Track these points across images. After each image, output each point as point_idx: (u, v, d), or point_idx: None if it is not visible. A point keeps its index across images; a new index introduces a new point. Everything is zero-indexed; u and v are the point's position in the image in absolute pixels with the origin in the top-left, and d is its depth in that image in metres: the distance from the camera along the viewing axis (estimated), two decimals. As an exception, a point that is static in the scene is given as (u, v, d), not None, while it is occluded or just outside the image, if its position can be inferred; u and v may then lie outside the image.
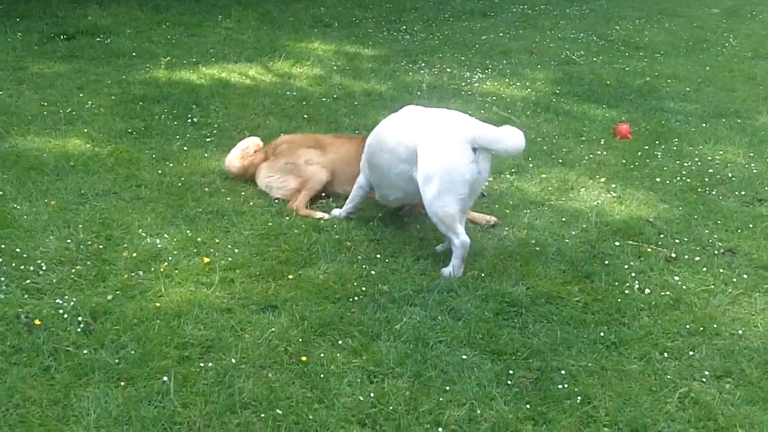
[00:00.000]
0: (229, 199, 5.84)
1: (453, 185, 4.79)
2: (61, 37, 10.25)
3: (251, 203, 5.80)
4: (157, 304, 4.40)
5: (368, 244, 5.28)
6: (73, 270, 4.70)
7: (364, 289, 4.69)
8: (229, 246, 5.13)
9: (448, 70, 9.73)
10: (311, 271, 4.90)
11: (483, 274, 4.92)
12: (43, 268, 4.69)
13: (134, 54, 9.68)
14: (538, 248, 5.28)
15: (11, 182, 5.88)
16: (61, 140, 6.80)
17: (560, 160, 6.87)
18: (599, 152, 7.08)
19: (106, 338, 4.08)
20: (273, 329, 4.25)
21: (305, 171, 5.95)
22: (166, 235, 5.20)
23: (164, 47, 10.17)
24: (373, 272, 4.90)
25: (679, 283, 4.92)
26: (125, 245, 5.05)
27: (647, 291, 4.80)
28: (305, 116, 7.74)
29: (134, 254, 4.93)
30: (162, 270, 4.76)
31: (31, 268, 4.68)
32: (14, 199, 5.60)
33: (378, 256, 5.10)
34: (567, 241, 5.41)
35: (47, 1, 12.67)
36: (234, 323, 4.31)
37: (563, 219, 5.75)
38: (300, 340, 4.18)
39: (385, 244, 5.28)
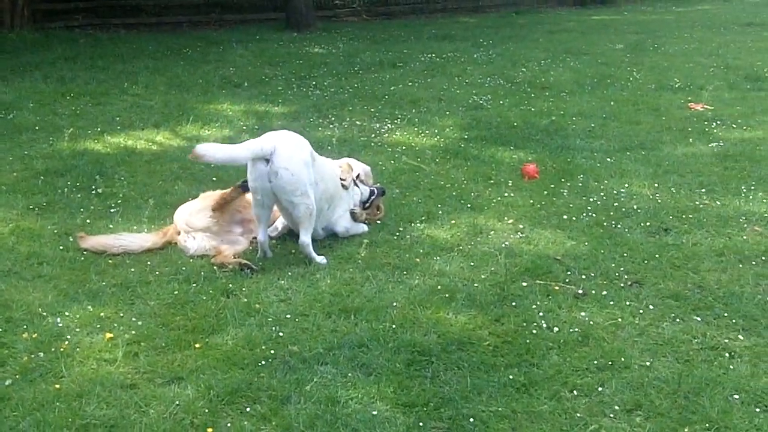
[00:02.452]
0: (133, 270, 5.71)
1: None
2: (-35, 117, 10.05)
3: (157, 272, 5.69)
4: (57, 386, 4.25)
5: (278, 305, 5.20)
6: (-32, 358, 4.53)
7: (273, 351, 4.60)
8: (134, 318, 5.00)
9: (357, 122, 9.77)
10: (219, 337, 4.79)
11: (394, 326, 4.88)
12: (-65, 358, 4.51)
13: (37, 128, 9.53)
14: (447, 295, 5.26)
15: None
16: (-42, 222, 6.62)
17: (469, 205, 6.91)
18: (507, 194, 7.14)
19: (4, 426, 3.92)
20: (178, 402, 4.12)
21: None
22: (67, 313, 5.05)
23: (68, 119, 10.05)
24: (282, 333, 4.82)
25: (587, 318, 4.95)
26: (25, 326, 4.89)
27: (556, 329, 4.81)
28: (214, 179, 7.66)
29: (34, 335, 4.77)
30: (63, 350, 4.61)
31: None
32: None
33: (288, 316, 5.02)
34: (477, 285, 5.41)
35: (-54, 79, 12.48)
36: (138, 399, 4.17)
37: (473, 263, 5.76)
38: (207, 411, 4.07)
39: (296, 303, 5.21)
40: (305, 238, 5.83)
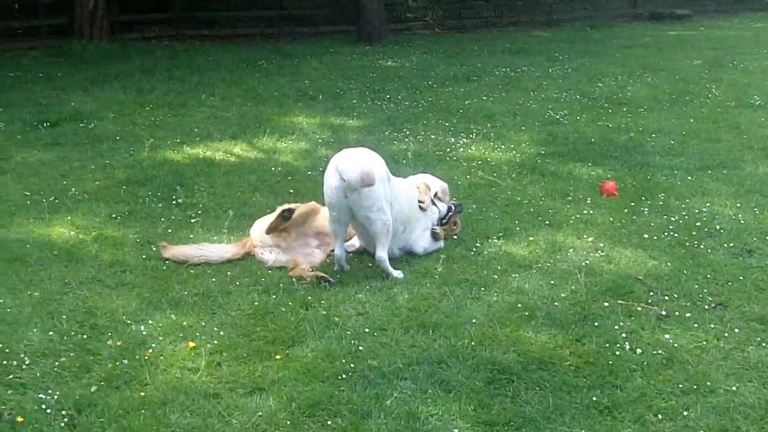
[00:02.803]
0: (214, 280, 5.79)
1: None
2: (45, 124, 10.33)
3: (237, 283, 5.75)
4: (142, 393, 4.32)
5: (356, 318, 5.21)
6: (57, 362, 4.63)
7: (352, 365, 4.61)
8: (215, 328, 5.07)
9: (432, 137, 9.77)
10: (299, 349, 4.82)
11: (473, 343, 4.85)
12: (26, 362, 4.62)
13: (118, 138, 9.74)
14: (527, 313, 5.22)
15: (-7, 275, 5.84)
16: (45, 229, 6.77)
17: (547, 222, 6.84)
18: (586, 211, 7.06)
19: (91, 432, 4.00)
20: (260, 413, 4.16)
21: None
22: (150, 321, 5.14)
23: (148, 129, 10.23)
24: (361, 347, 4.82)
25: (671, 340, 4.86)
26: (109, 334, 4.98)
27: (639, 351, 4.73)
28: (291, 191, 7.73)
29: (119, 342, 4.86)
30: (147, 357, 4.69)
31: (14, 362, 4.61)
32: (-2, 292, 5.56)
33: (366, 330, 5.03)
34: (556, 304, 5.35)
35: (30, 89, 12.84)
36: (221, 409, 4.22)
37: (552, 281, 5.70)
38: (288, 422, 4.10)
39: (374, 317, 5.22)
40: (382, 253, 5.84)
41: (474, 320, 5.14)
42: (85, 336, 4.95)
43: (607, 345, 4.80)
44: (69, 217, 7.04)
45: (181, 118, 10.92)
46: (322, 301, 5.43)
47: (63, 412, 4.13)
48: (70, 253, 6.27)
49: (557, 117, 10.64)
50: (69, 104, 11.57)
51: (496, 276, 5.82)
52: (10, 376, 4.47)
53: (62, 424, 4.05)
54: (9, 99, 12.07)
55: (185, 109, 11.48)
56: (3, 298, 5.47)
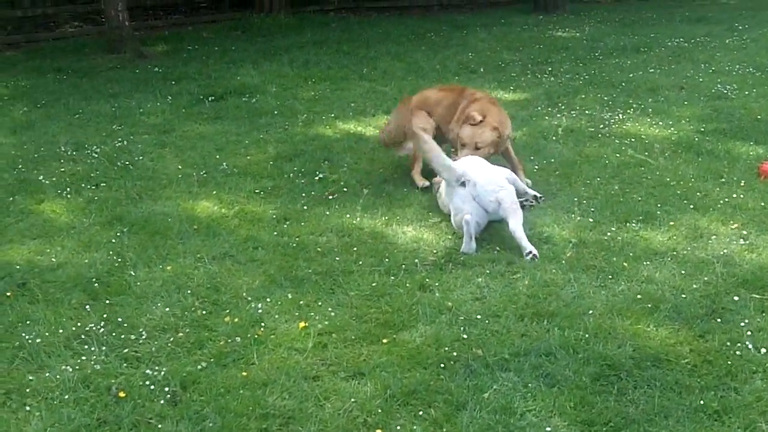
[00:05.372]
0: (338, 258, 5.83)
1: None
2: (210, 98, 10.71)
3: (360, 262, 5.77)
4: (245, 373, 4.41)
5: (471, 304, 5.11)
6: (173, 338, 4.81)
7: (456, 354, 4.52)
8: (330, 308, 5.11)
9: (587, 112, 9.42)
10: (407, 334, 4.78)
11: (587, 335, 4.65)
12: (144, 336, 4.83)
13: (276, 112, 9.97)
14: (651, 304, 4.94)
15: (134, 248, 6.12)
16: (190, 203, 7.05)
17: (692, 205, 6.45)
18: (737, 195, 6.60)
19: (190, 410, 4.12)
20: (354, 399, 4.16)
21: None
22: (269, 299, 5.24)
23: (306, 103, 10.43)
24: (471, 334, 4.73)
25: (804, 343, 4.47)
26: (228, 310, 5.13)
27: (763, 350, 4.38)
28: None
29: (235, 320, 4.99)
30: (257, 336, 4.79)
31: (132, 336, 4.82)
32: (134, 265, 5.82)
33: (479, 316, 4.93)
34: (685, 295, 5.03)
35: (204, 62, 13.37)
36: (318, 392, 4.25)
37: (684, 271, 5.37)
38: (380, 410, 4.07)
39: (490, 303, 5.10)
40: (516, 225, 5.88)
41: (592, 311, 4.92)
42: (205, 312, 5.12)
43: (730, 343, 4.47)
44: (215, 192, 7.29)
45: (340, 93, 11.06)
46: (439, 284, 5.36)
47: (167, 389, 4.28)
48: (209, 228, 6.50)
49: (725, 91, 9.97)
50: (236, 78, 11.96)
51: (626, 263, 5.54)
52: (126, 350, 4.69)
53: (162, 402, 4.19)
54: (183, 72, 12.62)
55: (346, 83, 11.62)
56: (137, 270, 5.74)
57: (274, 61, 13.17)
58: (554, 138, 8.43)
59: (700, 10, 17.76)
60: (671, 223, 6.15)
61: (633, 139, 8.25)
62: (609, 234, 6.02)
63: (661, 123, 8.80)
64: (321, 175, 7.58)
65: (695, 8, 18.13)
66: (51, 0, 17.57)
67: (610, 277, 5.38)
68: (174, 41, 15.90)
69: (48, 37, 16.56)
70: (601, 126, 8.83)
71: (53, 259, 6.01)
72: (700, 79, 10.71)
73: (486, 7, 20.16)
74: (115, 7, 14.28)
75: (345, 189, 7.24)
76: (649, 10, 18.22)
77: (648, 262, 5.54)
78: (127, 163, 8.21)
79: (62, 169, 8.09)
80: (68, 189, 7.49)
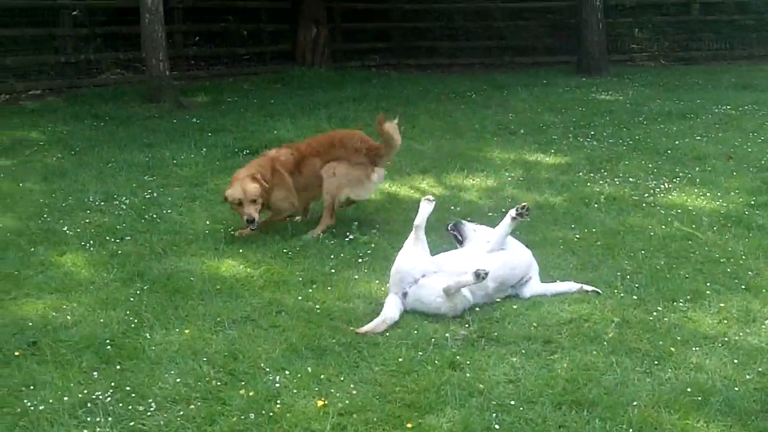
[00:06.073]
0: (365, 329, 5.51)
1: None
2: (244, 152, 10.53)
3: (387, 333, 5.44)
4: (257, 456, 4.09)
5: (504, 386, 4.75)
6: (183, 411, 4.49)
7: (487, 444, 4.17)
8: (352, 385, 4.77)
9: (631, 179, 9.07)
10: (434, 418, 4.43)
11: (631, 429, 4.27)
12: (153, 407, 4.51)
13: (308, 168, 9.71)
14: (701, 397, 4.55)
15: (153, 308, 5.85)
16: (215, 261, 6.78)
17: (744, 285, 6.07)
18: (793, 275, 6.21)
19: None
20: (374, 492, 3.81)
21: None
22: (287, 372, 4.91)
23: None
24: (503, 423, 4.36)
25: None
26: (244, 382, 4.81)
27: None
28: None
29: (251, 393, 4.67)
30: (273, 413, 4.46)
31: (141, 407, 4.51)
32: (150, 327, 5.54)
33: (513, 402, 4.56)
34: (737, 388, 4.64)
35: (242, 115, 13.24)
36: (335, 482, 3.91)
37: (737, 359, 4.97)
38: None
39: (524, 387, 4.73)
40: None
41: (637, 401, 4.54)
42: (219, 383, 4.81)
43: (789, 448, 4.08)
44: (241, 250, 7.02)
45: (378, 150, 10.79)
46: (470, 362, 5.01)
47: (172, 471, 3.97)
48: (232, 289, 6.22)
49: (776, 163, 9.61)
50: (272, 132, 11.78)
51: (673, 348, 5.15)
52: (133, 423, 4.39)
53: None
54: (220, 124, 12.49)
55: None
56: (154, 333, 5.46)
57: (312, 116, 13.00)
58: (596, 205, 8.10)
59: (746, 76, 17.43)
60: (721, 304, 5.76)
61: (679, 211, 7.88)
62: (655, 314, 5.65)
63: (708, 194, 8.43)
64: (351, 237, 7.28)
65: (741, 74, 17.80)
66: (94, 46, 17.65)
67: (655, 362, 4.99)
68: (214, 92, 15.83)
69: (89, 83, 16.58)
70: (646, 195, 8.48)
71: (68, 317, 5.75)
72: (749, 149, 10.34)
73: (528, 68, 19.97)
74: (156, 56, 14.25)
75: (375, 251, 6.93)
76: (695, 75, 17.92)
77: (697, 348, 5.15)
78: (155, 216, 7.98)
79: (88, 220, 7.89)
80: (92, 241, 7.26)
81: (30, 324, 5.62)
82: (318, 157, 7.57)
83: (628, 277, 6.28)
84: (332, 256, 6.86)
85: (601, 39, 18.63)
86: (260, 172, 7.34)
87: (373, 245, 7.10)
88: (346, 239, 7.26)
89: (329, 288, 6.22)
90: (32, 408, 4.52)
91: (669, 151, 10.31)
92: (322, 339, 5.37)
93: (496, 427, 4.32)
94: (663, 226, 7.44)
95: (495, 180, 9.21)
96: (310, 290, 6.18)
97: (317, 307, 5.88)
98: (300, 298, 6.03)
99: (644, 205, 8.16)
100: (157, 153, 10.66)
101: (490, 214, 7.85)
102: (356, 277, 6.43)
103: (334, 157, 7.55)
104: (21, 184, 9.28)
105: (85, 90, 15.89)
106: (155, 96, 14.21)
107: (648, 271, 6.34)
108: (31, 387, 4.75)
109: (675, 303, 5.83)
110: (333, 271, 6.54)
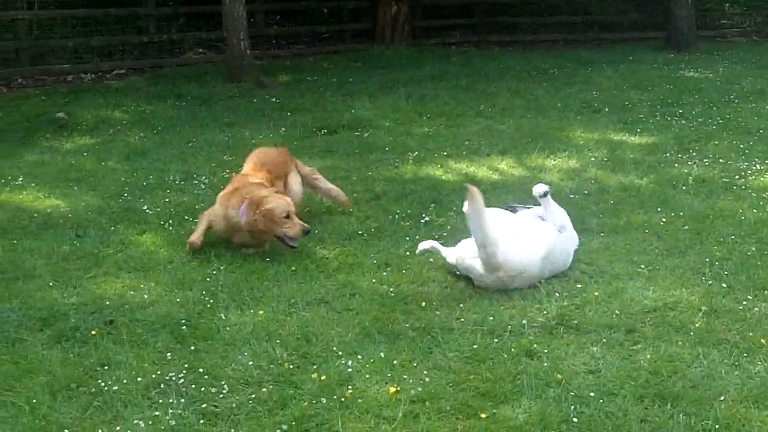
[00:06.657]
0: (438, 313, 5.39)
1: None
2: (322, 131, 10.49)
3: (462, 319, 5.30)
4: (327, 444, 4.01)
5: (584, 377, 4.57)
6: (255, 394, 4.44)
7: (564, 438, 4.01)
8: (425, 371, 4.65)
9: (721, 160, 8.71)
10: (509, 409, 4.28)
11: (717, 426, 4.06)
12: (225, 389, 4.47)
13: (387, 148, 9.64)
14: (793, 392, 4.31)
15: (228, 288, 5.83)
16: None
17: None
18: None
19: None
20: (444, 485, 3.70)
21: None
22: (360, 356, 4.81)
23: (419, 140, 10.08)
24: (581, 416, 4.19)
25: None
26: (316, 366, 4.74)
27: None
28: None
29: (323, 377, 4.59)
30: (345, 398, 4.37)
31: (213, 389, 4.47)
32: (226, 307, 5.52)
33: (592, 393, 4.38)
34: (834, 385, 4.38)
35: (321, 94, 13.19)
36: (405, 472, 3.81)
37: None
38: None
39: (605, 378, 4.54)
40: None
41: (724, 395, 4.31)
42: (292, 366, 4.74)
43: None
44: (317, 231, 6.95)
45: (455, 129, 10.65)
46: (547, 351, 4.84)
47: (241, 455, 3.93)
48: (307, 270, 6.17)
49: None
50: (351, 111, 11.72)
51: (763, 340, 4.89)
52: (205, 405, 4.35)
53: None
54: (299, 103, 12.49)
55: (461, 119, 11.22)
56: (229, 313, 5.43)
57: (391, 95, 12.89)
58: (684, 188, 7.79)
59: None
60: (818, 300, 5.46)
61: (773, 193, 7.54)
62: (745, 303, 5.38)
63: (804, 177, 8.05)
64: (427, 218, 7.16)
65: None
66: (177, 26, 17.83)
67: (745, 355, 4.75)
68: (294, 71, 15.83)
69: (172, 62, 16.76)
70: (737, 177, 8.13)
71: (145, 296, 5.77)
72: None
73: (613, 44, 19.46)
74: (237, 35, 14.28)
75: (451, 234, 6.78)
76: (790, 51, 17.22)
77: (791, 339, 4.89)
78: (233, 195, 7.97)
79: (168, 200, 7.94)
80: (171, 221, 7.29)
81: (108, 303, 5.65)
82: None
83: (717, 264, 6.01)
84: (407, 239, 6.75)
85: (690, 14, 18.01)
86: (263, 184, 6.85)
87: (449, 227, 6.96)
88: (422, 221, 7.15)
89: (404, 271, 6.11)
90: (106, 388, 4.52)
91: (761, 131, 9.88)
92: (395, 323, 5.27)
93: (574, 420, 4.15)
94: (755, 210, 7.11)
95: (578, 161, 8.95)
96: (385, 273, 6.08)
97: (391, 290, 5.78)
98: (374, 281, 5.94)
99: (735, 187, 7.83)
100: (236, 132, 10.71)
101: (572, 196, 7.63)
102: (431, 260, 6.30)
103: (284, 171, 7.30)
104: (103, 163, 9.41)
105: (167, 69, 16.06)
106: (236, 75, 14.24)
107: (738, 258, 6.06)
108: (106, 367, 4.77)
109: (766, 292, 5.55)
110: (408, 253, 6.42)
